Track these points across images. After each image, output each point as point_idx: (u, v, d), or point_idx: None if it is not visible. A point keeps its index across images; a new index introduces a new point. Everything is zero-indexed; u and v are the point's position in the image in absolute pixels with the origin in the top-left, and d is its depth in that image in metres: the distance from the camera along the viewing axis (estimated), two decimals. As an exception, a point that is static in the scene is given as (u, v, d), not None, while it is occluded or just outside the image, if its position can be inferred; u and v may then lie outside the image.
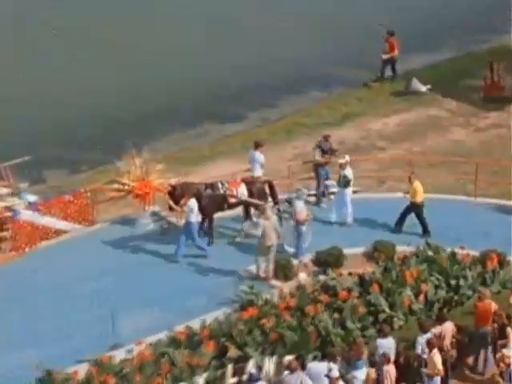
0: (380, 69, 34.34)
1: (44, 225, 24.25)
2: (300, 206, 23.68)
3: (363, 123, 31.88)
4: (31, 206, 24.09)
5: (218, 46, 35.75)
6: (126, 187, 24.82)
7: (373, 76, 34.66)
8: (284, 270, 23.06)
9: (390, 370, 19.19)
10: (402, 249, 23.49)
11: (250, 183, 24.43)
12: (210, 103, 33.00)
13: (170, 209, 23.89)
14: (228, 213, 24.68)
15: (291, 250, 23.70)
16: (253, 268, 23.00)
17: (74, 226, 24.74)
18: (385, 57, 34.18)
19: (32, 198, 24.35)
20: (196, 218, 23.37)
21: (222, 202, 24.11)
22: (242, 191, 24.17)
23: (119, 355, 20.16)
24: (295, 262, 23.39)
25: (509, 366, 19.70)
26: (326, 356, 19.53)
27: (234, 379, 18.79)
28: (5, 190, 24.16)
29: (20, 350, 20.51)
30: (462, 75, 34.56)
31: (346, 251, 23.58)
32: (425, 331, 19.72)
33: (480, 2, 36.49)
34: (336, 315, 20.77)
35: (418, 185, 24.57)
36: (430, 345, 19.37)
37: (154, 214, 24.20)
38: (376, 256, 23.33)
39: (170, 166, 25.97)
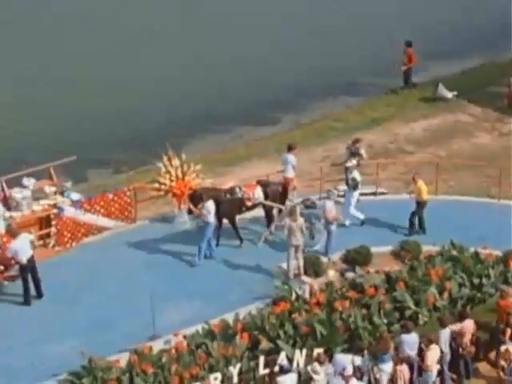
0: (403, 78, 34.22)
1: (87, 221, 24.32)
2: (329, 205, 23.71)
3: (391, 128, 31.85)
4: (75, 203, 24.14)
5: (257, 52, 35.82)
6: (165, 187, 24.88)
7: (401, 83, 34.64)
8: (314, 268, 23.09)
9: (404, 370, 19.20)
10: (427, 248, 23.50)
11: (265, 186, 24.29)
12: (246, 107, 33.09)
13: (190, 211, 23.77)
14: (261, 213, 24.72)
15: (308, 249, 23.63)
16: (285, 265, 23.05)
17: (117, 223, 24.86)
18: (403, 68, 34.02)
19: (76, 196, 24.38)
20: (213, 219, 23.24)
21: (240, 205, 24.01)
22: (258, 194, 24.09)
23: (158, 346, 20.30)
24: (325, 259, 23.46)
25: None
26: (353, 349, 19.68)
27: (266, 370, 18.83)
28: (51, 189, 24.27)
29: (69, 338, 20.73)
30: (486, 83, 34.47)
31: (373, 250, 23.59)
32: (444, 326, 19.72)
33: (504, 15, 36.26)
34: (363, 311, 20.82)
35: (422, 184, 24.51)
36: (428, 341, 19.34)
37: (190, 212, 24.26)
38: (402, 255, 23.34)
39: (207, 167, 26.07)
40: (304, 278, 22.82)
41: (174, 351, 19.97)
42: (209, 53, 35.69)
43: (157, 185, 24.99)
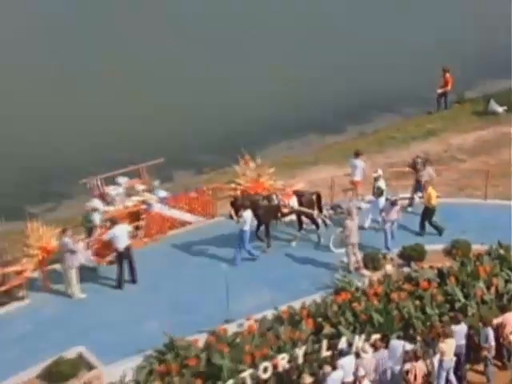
0: (438, 101, 33.67)
1: (171, 216, 24.58)
2: (386, 206, 23.60)
3: (445, 138, 31.58)
4: (162, 200, 24.35)
5: (326, 67, 35.80)
6: (241, 187, 24.97)
7: (455, 98, 34.32)
8: (373, 262, 23.01)
9: (418, 367, 18.80)
10: (476, 247, 23.22)
11: (300, 195, 24.05)
12: (315, 117, 33.08)
13: (231, 217, 23.48)
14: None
15: (337, 250, 23.52)
16: (346, 260, 23.01)
17: (198, 218, 25.05)
18: (439, 91, 33.53)
19: (163, 193, 24.60)
20: (248, 227, 23.01)
21: (276, 212, 23.83)
22: (293, 202, 23.87)
23: (232, 328, 20.42)
24: (383, 255, 23.35)
25: None
26: (406, 337, 19.58)
27: (328, 352, 18.84)
28: (141, 187, 24.53)
29: (153, 319, 20.95)
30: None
31: (427, 247, 23.43)
32: (486, 325, 19.42)
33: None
34: (417, 302, 20.67)
35: (431, 191, 24.17)
36: (444, 334, 18.97)
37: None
38: (454, 253, 23.09)
39: (278, 170, 26.11)
40: (364, 271, 22.77)
41: (246, 333, 20.06)
42: (286, 67, 35.68)
43: (234, 185, 25.11)
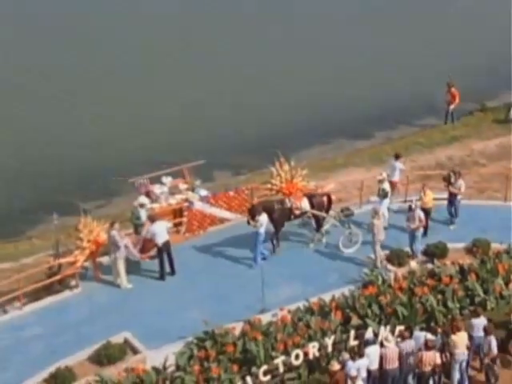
0: (447, 115, 33.10)
1: (212, 213, 24.64)
2: (419, 213, 23.10)
3: (468, 144, 31.30)
4: (203, 198, 24.36)
5: (356, 77, 35.67)
6: (276, 187, 24.94)
7: (478, 106, 34.03)
8: (398, 258, 22.93)
9: (429, 355, 18.45)
10: (495, 246, 23.02)
11: (311, 197, 23.82)
12: (346, 123, 32.98)
13: (248, 222, 23.20)
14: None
15: (346, 250, 23.37)
16: (373, 256, 22.93)
17: (236, 216, 25.03)
18: (451, 107, 32.75)
19: (204, 192, 24.62)
20: (264, 230, 22.83)
21: (289, 214, 23.57)
22: (305, 204, 23.68)
23: (266, 318, 20.46)
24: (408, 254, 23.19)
25: None
26: (428, 328, 19.46)
27: (355, 342, 18.79)
28: (184, 186, 24.60)
29: (194, 308, 21.09)
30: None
31: (449, 245, 23.27)
32: (489, 334, 18.85)
33: None
34: (439, 296, 20.58)
35: (429, 193, 23.91)
36: (456, 328, 18.68)
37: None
38: (474, 251, 22.94)
39: (311, 172, 26.02)
40: (389, 266, 22.67)
41: (279, 323, 20.07)
42: (322, 76, 35.56)
43: (269, 185, 25.11)
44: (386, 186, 24.47)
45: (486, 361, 18.89)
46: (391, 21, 40.56)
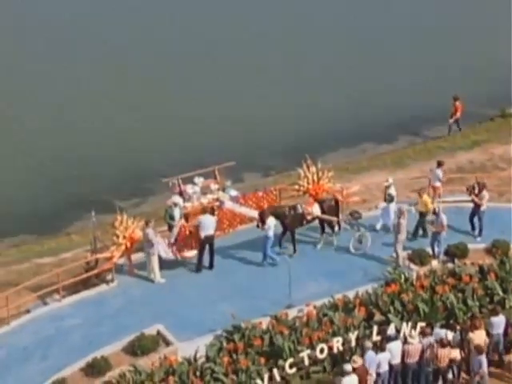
0: (450, 127, 32.51)
1: (241, 213, 24.61)
2: (443, 217, 22.90)
3: (488, 148, 31.03)
4: (233, 198, 24.34)
5: (379, 84, 35.51)
6: (303, 188, 24.84)
7: (498, 112, 33.74)
8: (420, 258, 22.79)
9: (445, 352, 18.36)
10: (514, 247, 22.86)
11: (321, 202, 23.70)
12: (370, 127, 32.85)
13: (258, 226, 23.15)
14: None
15: (356, 251, 23.20)
16: (394, 255, 22.75)
17: (265, 215, 24.97)
18: (451, 120, 32.21)
19: (234, 192, 24.60)
20: (272, 233, 22.74)
21: (301, 219, 23.45)
22: (316, 209, 23.55)
23: (293, 313, 20.44)
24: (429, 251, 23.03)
25: None
26: (448, 326, 19.30)
27: (378, 337, 18.71)
28: (215, 186, 24.59)
29: (223, 302, 21.13)
30: None
31: (470, 246, 23.10)
32: (480, 353, 18.47)
33: None
34: (459, 295, 20.44)
35: (426, 198, 23.65)
36: (473, 326, 18.59)
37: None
38: (494, 251, 22.73)
39: (337, 174, 25.93)
40: (412, 265, 22.51)
41: (305, 318, 20.05)
42: (348, 83, 35.41)
43: (297, 186, 25.05)
44: (393, 191, 24.37)
45: (477, 379, 18.54)
46: (417, 34, 40.16)
